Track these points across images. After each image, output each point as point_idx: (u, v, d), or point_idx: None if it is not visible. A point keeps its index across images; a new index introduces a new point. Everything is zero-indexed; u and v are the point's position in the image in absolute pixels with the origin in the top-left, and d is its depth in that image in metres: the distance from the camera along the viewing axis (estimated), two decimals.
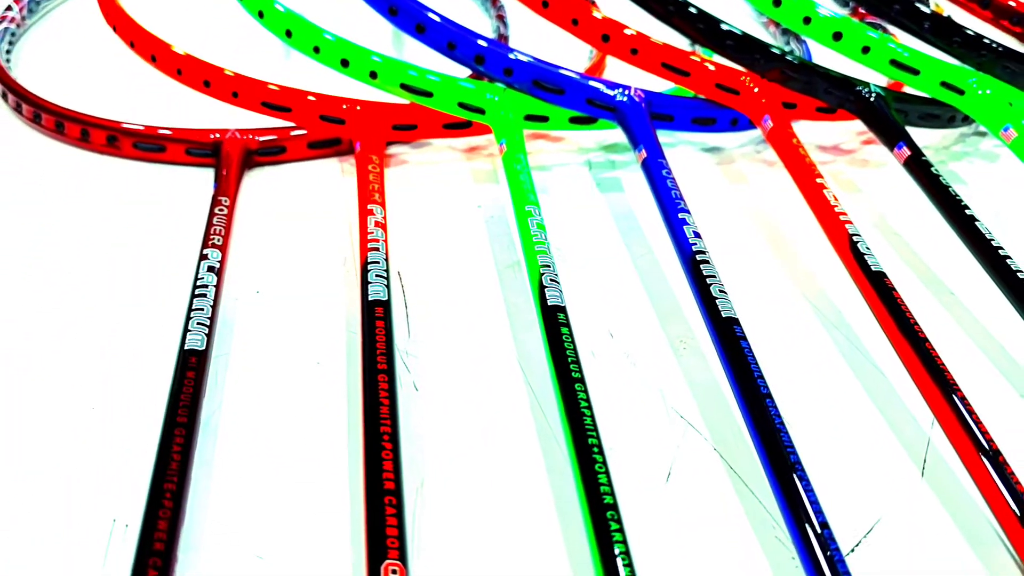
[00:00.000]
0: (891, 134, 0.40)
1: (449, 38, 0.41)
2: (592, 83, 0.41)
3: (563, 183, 0.43)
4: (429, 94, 0.41)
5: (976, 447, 0.27)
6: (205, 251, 0.34)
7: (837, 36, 0.43)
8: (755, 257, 0.38)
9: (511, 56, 0.41)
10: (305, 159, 0.43)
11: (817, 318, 0.35)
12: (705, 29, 0.42)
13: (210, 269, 0.33)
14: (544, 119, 0.42)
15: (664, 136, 0.46)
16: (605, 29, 0.42)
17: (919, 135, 0.47)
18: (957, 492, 0.28)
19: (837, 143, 0.47)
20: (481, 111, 0.41)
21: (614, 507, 0.24)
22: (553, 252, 0.33)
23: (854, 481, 0.28)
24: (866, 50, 0.43)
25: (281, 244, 0.38)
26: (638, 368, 0.32)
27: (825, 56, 0.46)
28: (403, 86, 0.41)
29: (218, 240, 0.35)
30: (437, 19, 0.41)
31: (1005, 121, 0.42)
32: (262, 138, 0.42)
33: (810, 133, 0.47)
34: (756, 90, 0.42)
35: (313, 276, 0.36)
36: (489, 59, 0.41)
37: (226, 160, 0.40)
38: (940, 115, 0.45)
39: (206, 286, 0.32)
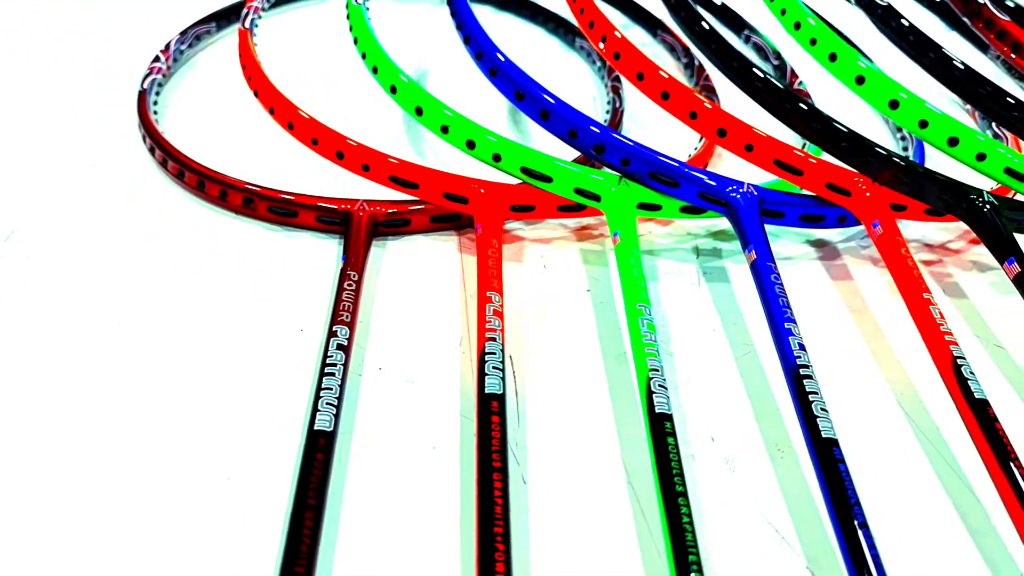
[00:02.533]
0: (1002, 247, 0.41)
1: (571, 126, 0.43)
2: (705, 178, 0.43)
3: (670, 271, 0.44)
4: (549, 179, 0.43)
5: None
6: (335, 328, 0.36)
7: (953, 142, 0.44)
8: (858, 366, 0.39)
9: (629, 146, 0.43)
10: (426, 231, 0.45)
11: (918, 439, 0.35)
12: (820, 128, 0.43)
13: (339, 347, 0.35)
14: (657, 207, 0.43)
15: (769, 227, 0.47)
16: (723, 124, 0.43)
17: None
18: None
19: (944, 241, 0.47)
20: (597, 198, 0.43)
21: None
22: (661, 351, 0.35)
23: None
24: (981, 157, 0.43)
25: (402, 321, 0.40)
26: (736, 474, 0.34)
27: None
28: (523, 170, 0.43)
29: (347, 316, 0.37)
30: (560, 108, 0.43)
31: None
32: (389, 210, 0.44)
33: (916, 229, 0.48)
34: (868, 193, 0.43)
35: (431, 357, 0.38)
36: (608, 149, 0.43)
37: (356, 229, 0.43)
38: None
39: (335, 364, 0.35)
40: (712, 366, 0.38)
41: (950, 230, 0.48)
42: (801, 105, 0.43)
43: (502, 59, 0.45)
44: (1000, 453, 0.32)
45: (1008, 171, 0.43)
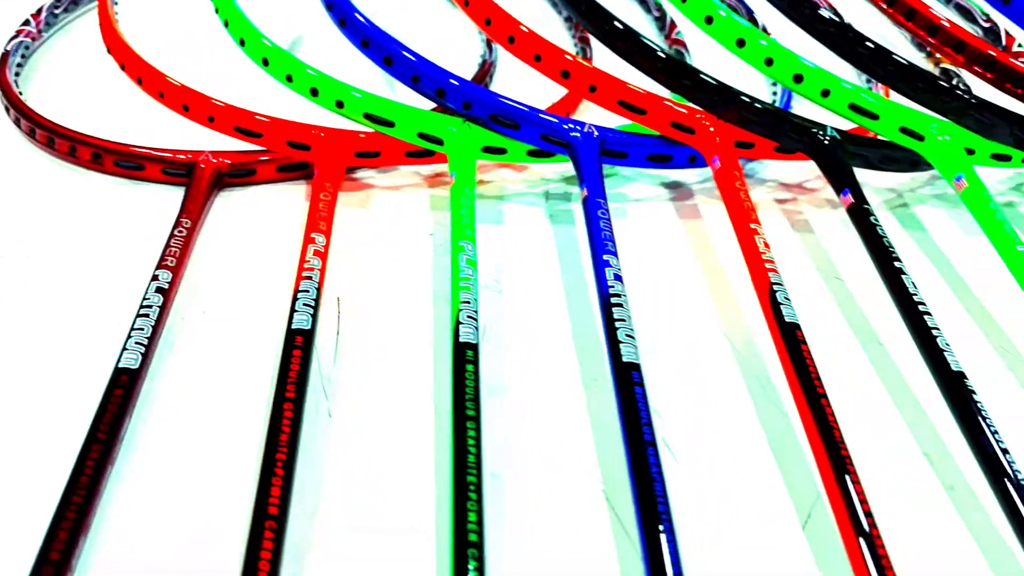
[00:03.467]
0: (839, 179, 0.41)
1: (413, 72, 0.43)
2: (546, 118, 0.42)
3: (517, 214, 0.44)
4: (391, 123, 0.43)
5: (849, 512, 0.27)
6: (157, 272, 0.36)
7: (798, 78, 0.44)
8: (685, 298, 0.39)
9: (470, 90, 0.43)
10: (275, 181, 0.45)
11: (738, 362, 0.35)
12: (662, 67, 0.43)
13: (159, 290, 0.35)
14: (502, 151, 0.43)
15: (627, 169, 0.47)
16: (565, 66, 0.43)
17: (888, 177, 0.47)
18: (831, 552, 0.28)
19: (802, 180, 0.47)
20: (440, 141, 0.43)
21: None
22: (485, 286, 0.35)
23: (736, 526, 0.29)
24: (826, 93, 0.43)
25: (236, 266, 0.40)
26: (547, 403, 0.34)
27: None
28: (366, 115, 0.43)
29: (171, 262, 0.37)
30: (404, 54, 0.43)
31: (960, 170, 0.42)
32: (234, 161, 0.44)
33: (778, 169, 0.48)
34: (711, 129, 0.43)
35: (258, 300, 0.38)
36: (449, 93, 0.43)
37: (197, 180, 0.42)
38: (901, 159, 0.45)
39: (151, 306, 0.34)
40: (539, 301, 0.38)
41: (809, 169, 0.48)
42: (643, 43, 0.43)
43: (349, 8, 0.45)
44: (802, 372, 0.32)
45: (852, 106, 0.43)
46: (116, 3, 0.50)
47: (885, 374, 0.35)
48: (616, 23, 0.44)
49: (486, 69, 0.54)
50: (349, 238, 0.41)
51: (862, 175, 0.43)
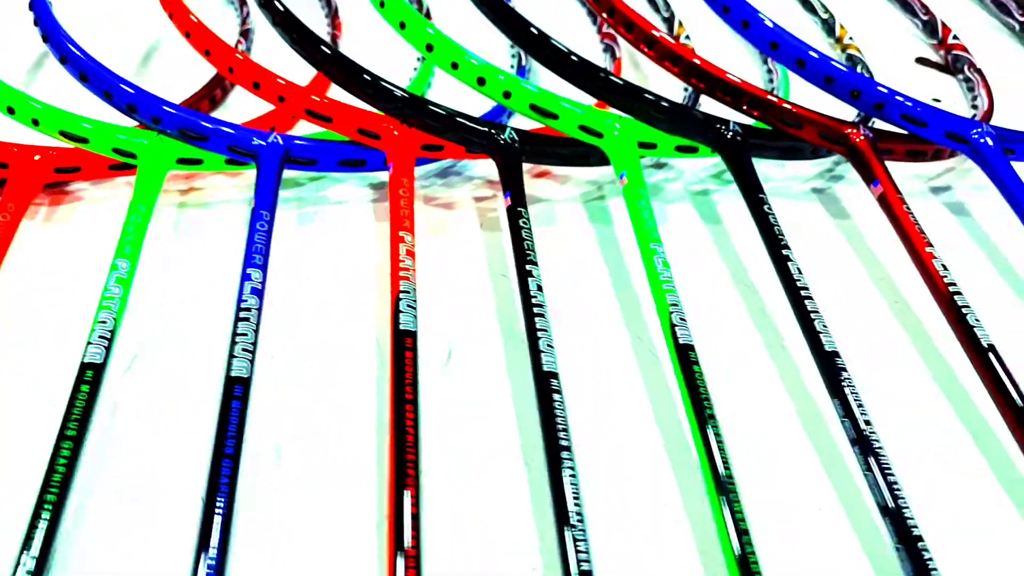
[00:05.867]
0: (507, 180, 0.43)
1: (106, 88, 0.44)
2: (227, 130, 0.44)
3: (218, 220, 0.46)
4: (85, 140, 0.44)
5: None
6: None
7: (481, 81, 0.45)
8: (332, 297, 0.42)
9: (161, 107, 0.44)
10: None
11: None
12: (348, 75, 0.45)
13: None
14: (198, 162, 0.45)
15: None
16: (257, 77, 0.45)
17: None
18: None
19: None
20: (133, 155, 0.44)
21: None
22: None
23: None
24: (507, 95, 0.45)
25: None
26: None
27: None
28: (62, 132, 0.44)
29: None
30: (93, 71, 0.44)
31: (634, 164, 0.44)
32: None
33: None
34: (396, 133, 0.45)
35: None
36: (140, 108, 0.44)
37: None
38: (587, 155, 0.47)
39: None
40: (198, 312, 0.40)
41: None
42: (326, 50, 0.45)
43: (52, 27, 0.46)
44: (401, 381, 0.34)
45: (533, 107, 0.45)
46: None
47: (519, 371, 0.38)
48: (308, 36, 0.46)
49: None
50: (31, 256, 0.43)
51: None
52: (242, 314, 0.36)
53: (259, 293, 0.37)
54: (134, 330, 0.38)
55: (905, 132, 0.48)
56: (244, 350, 0.35)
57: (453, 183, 0.49)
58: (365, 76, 0.45)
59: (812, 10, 0.68)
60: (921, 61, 0.64)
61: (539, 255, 0.39)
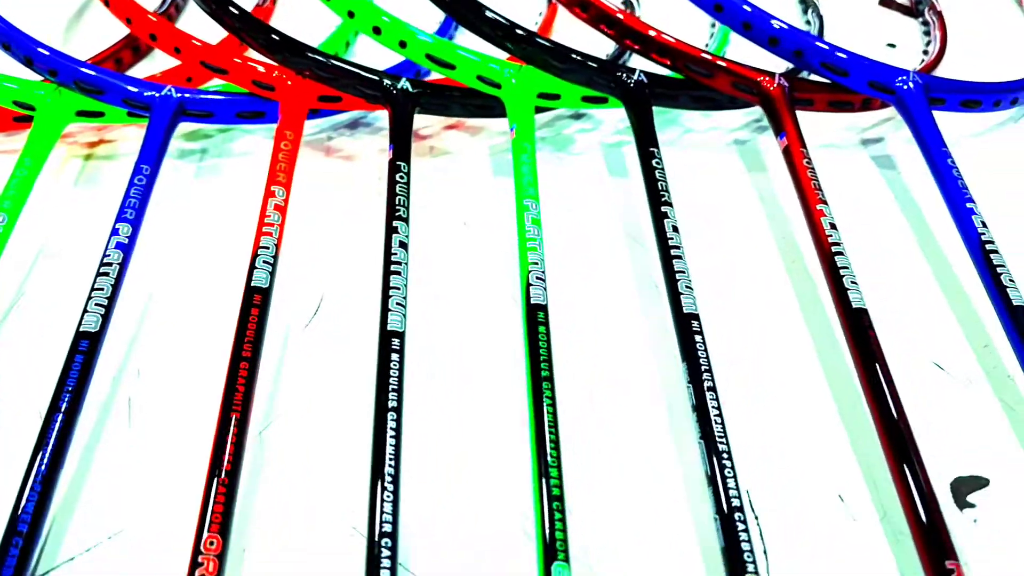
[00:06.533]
0: (391, 136, 0.42)
1: (4, 40, 0.45)
2: (120, 84, 0.44)
3: (109, 174, 0.46)
4: None
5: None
6: None
7: (376, 30, 0.44)
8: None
9: (57, 59, 0.44)
10: None
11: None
12: (243, 28, 0.44)
13: None
14: (99, 115, 0.45)
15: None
16: (154, 29, 0.45)
17: None
18: None
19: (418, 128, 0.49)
20: (32, 108, 0.45)
21: None
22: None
23: None
24: (403, 44, 0.44)
25: None
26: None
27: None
28: None
29: None
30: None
31: (528, 115, 0.43)
32: None
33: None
34: (290, 84, 0.44)
35: None
36: (36, 60, 0.44)
37: None
38: (468, 105, 0.46)
39: None
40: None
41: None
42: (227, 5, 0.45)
43: None
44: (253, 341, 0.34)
45: (429, 56, 0.44)
46: None
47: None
48: None
49: None
50: None
51: None
52: (103, 268, 0.36)
53: (124, 248, 0.37)
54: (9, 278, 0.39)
55: (827, 81, 0.46)
56: (98, 304, 0.35)
57: (359, 135, 0.48)
58: (254, 23, 0.44)
59: None
60: (885, 3, 0.61)
61: (432, 210, 0.38)
